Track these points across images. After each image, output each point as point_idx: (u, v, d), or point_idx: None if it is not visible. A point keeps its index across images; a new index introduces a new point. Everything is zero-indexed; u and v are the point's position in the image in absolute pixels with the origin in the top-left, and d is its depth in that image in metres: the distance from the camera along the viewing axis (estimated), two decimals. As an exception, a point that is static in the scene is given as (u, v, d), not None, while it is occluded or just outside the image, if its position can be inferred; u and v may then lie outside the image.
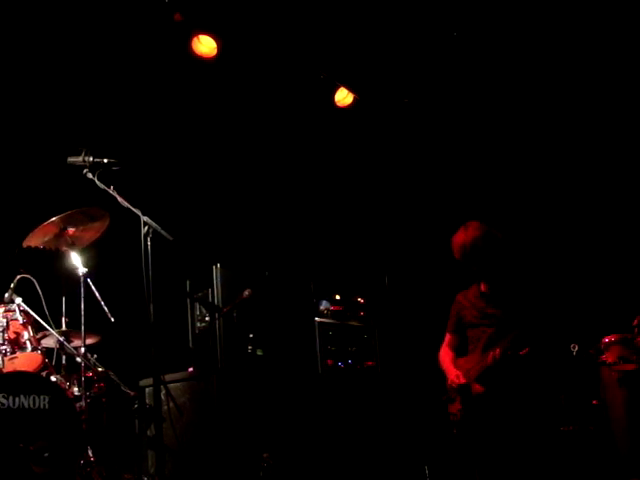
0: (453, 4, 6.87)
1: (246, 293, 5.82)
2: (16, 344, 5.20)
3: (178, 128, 7.33)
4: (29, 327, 5.26)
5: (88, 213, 5.55)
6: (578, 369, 6.20)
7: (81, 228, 5.63)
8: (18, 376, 4.89)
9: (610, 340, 5.94)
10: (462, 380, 5.09)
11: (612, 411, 5.87)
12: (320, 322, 6.85)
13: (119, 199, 4.69)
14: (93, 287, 5.47)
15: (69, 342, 5.44)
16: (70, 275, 5.56)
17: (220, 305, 6.17)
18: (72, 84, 6.64)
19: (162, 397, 5.65)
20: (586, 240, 7.57)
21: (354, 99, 7.76)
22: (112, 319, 5.47)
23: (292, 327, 6.68)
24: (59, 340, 5.33)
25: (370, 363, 7.05)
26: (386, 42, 7.27)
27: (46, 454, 4.66)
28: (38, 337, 5.33)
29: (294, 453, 6.09)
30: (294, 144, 7.98)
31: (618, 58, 7.04)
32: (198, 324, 6.39)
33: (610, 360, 5.87)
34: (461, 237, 5.21)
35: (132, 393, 5.40)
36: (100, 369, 5.38)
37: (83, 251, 5.60)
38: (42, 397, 4.79)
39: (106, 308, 5.48)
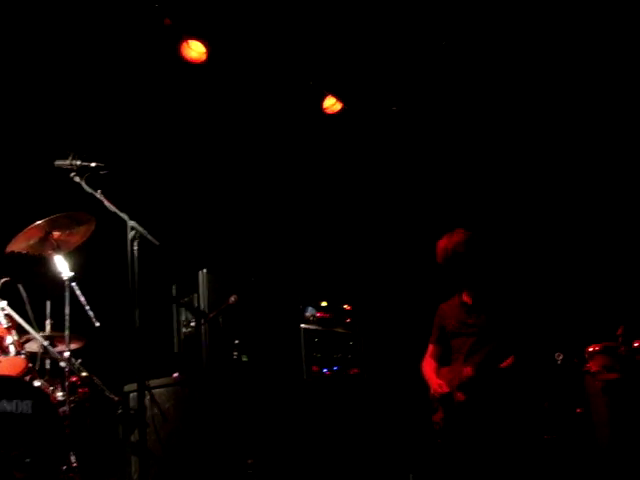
0: (442, 12, 6.90)
1: (232, 299, 5.81)
2: (-1, 348, 5.17)
3: (166, 133, 7.32)
4: (13, 331, 5.22)
5: (74, 217, 5.52)
6: (562, 378, 6.23)
7: (67, 232, 5.59)
8: (1, 380, 4.85)
9: (594, 349, 5.97)
10: (445, 389, 5.10)
11: (596, 419, 5.90)
12: (306, 329, 6.84)
13: (106, 203, 4.66)
14: (78, 291, 5.44)
15: (53, 346, 5.40)
16: (55, 279, 5.52)
17: (206, 310, 6.15)
18: (60, 87, 6.62)
19: (146, 402, 5.62)
20: (571, 249, 7.60)
21: (342, 107, 7.77)
22: (97, 324, 5.44)
23: (278, 333, 6.67)
24: (43, 344, 5.30)
25: (355, 370, 7.04)
26: (375, 50, 7.29)
27: (28, 459, 4.63)
28: (22, 341, 5.30)
29: (278, 459, 6.08)
30: (282, 150, 7.98)
31: (601, 61, 7.07)
32: (184, 329, 6.36)
33: (594, 369, 5.90)
34: (444, 241, 5.29)
35: (116, 398, 5.38)
36: (84, 374, 5.35)
37: (68, 255, 5.57)
38: (25, 402, 4.75)
39: (91, 313, 5.44)
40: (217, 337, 6.15)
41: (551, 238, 7.74)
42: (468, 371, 5.01)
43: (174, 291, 6.43)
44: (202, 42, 6.89)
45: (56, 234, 5.54)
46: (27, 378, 5.14)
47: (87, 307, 5.44)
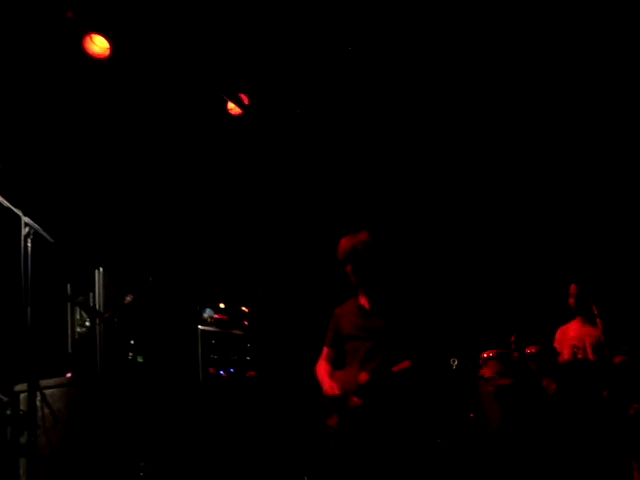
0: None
1: (128, 299, 5.75)
2: None
3: (63, 128, 7.16)
4: None
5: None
6: (457, 383, 6.37)
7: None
8: None
9: (488, 355, 6.13)
10: (336, 391, 5.13)
11: (488, 424, 6.06)
12: (203, 330, 6.82)
13: (-1, 198, 4.56)
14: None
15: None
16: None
17: (101, 310, 6.06)
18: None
19: (37, 403, 5.49)
20: (469, 258, 7.79)
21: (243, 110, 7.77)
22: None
23: (174, 334, 6.63)
24: None
25: (252, 373, 7.05)
26: (280, 52, 7.33)
27: None
28: None
29: (171, 462, 6.04)
30: (183, 148, 7.92)
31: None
32: (78, 329, 6.25)
33: (488, 374, 6.06)
34: (347, 239, 5.34)
35: (5, 399, 5.25)
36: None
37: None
38: None
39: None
40: (112, 337, 6.06)
41: (451, 246, 7.92)
42: (364, 376, 5.05)
43: (69, 290, 6.31)
44: (106, 37, 6.78)
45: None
46: None
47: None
